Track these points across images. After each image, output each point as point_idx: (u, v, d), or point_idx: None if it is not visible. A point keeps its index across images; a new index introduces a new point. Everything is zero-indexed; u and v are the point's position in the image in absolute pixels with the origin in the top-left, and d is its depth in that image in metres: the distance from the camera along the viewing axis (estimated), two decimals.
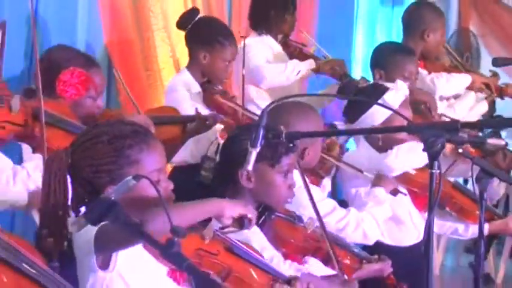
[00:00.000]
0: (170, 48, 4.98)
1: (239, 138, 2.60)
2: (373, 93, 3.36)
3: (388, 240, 3.36)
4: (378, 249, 3.09)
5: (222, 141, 3.56)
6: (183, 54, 5.06)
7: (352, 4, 6.82)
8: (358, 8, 6.91)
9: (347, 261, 2.74)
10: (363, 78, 4.48)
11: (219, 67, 4.04)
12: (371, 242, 3.11)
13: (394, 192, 3.24)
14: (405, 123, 3.00)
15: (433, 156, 2.16)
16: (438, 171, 2.17)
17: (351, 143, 3.99)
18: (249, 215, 2.14)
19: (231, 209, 2.14)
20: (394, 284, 2.92)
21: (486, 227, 3.61)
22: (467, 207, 3.41)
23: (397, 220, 3.37)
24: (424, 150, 2.16)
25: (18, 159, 3.09)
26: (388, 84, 3.47)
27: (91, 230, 2.02)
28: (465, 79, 4.29)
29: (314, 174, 3.13)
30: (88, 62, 3.28)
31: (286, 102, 2.93)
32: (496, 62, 4.37)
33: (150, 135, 2.24)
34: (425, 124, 3.00)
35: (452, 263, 6.91)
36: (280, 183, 2.60)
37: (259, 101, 4.47)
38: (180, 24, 4.30)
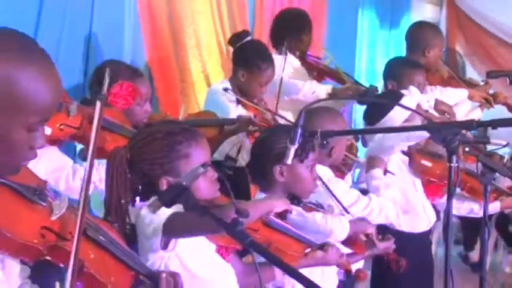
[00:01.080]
0: (201, 64, 4.99)
1: (271, 139, 2.61)
2: (391, 99, 3.36)
3: (403, 227, 3.37)
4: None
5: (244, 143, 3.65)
6: (212, 69, 5.12)
7: (355, 27, 6.82)
8: (362, 30, 6.92)
9: (360, 241, 2.75)
10: (371, 85, 4.51)
11: (254, 87, 4.04)
12: (389, 222, 3.12)
13: (384, 172, 3.21)
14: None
15: (452, 151, 2.18)
16: (456, 164, 2.19)
17: None
18: (293, 212, 2.18)
19: (278, 207, 2.17)
20: (395, 259, 2.93)
21: (498, 205, 3.65)
22: (478, 189, 3.42)
23: (412, 209, 3.38)
24: (443, 146, 2.18)
25: (72, 158, 3.13)
26: (403, 91, 3.50)
27: (155, 216, 2.05)
28: (461, 93, 4.30)
29: (338, 170, 3.14)
30: (134, 74, 3.31)
31: (317, 107, 2.96)
32: (490, 74, 4.39)
33: (197, 132, 2.26)
34: (444, 123, 3.02)
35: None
36: (308, 176, 2.61)
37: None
38: (231, 42, 4.32)
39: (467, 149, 3.20)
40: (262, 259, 2.41)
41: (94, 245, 1.75)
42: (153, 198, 1.97)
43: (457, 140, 2.14)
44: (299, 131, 2.28)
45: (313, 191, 2.66)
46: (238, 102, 4.00)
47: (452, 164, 2.17)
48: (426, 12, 7.93)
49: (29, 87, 1.48)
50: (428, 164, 3.46)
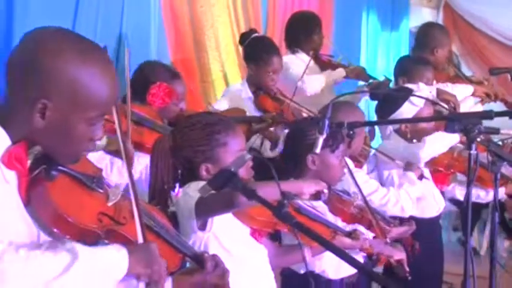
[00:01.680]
0: (220, 64, 5.01)
1: (304, 130, 2.61)
2: (403, 94, 3.36)
3: (415, 213, 3.36)
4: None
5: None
6: (230, 69, 5.13)
7: (359, 29, 6.83)
8: (367, 31, 6.93)
9: (383, 226, 2.75)
10: (385, 77, 4.54)
11: (264, 78, 4.02)
12: (407, 215, 3.09)
13: (420, 177, 3.24)
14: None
15: (471, 140, 2.17)
16: (475, 152, 2.18)
17: None
18: (325, 190, 2.17)
19: (307, 187, 2.17)
20: (411, 243, 2.93)
21: (502, 190, 3.64)
22: (484, 177, 3.41)
23: (422, 197, 3.37)
24: (463, 134, 2.17)
25: None
26: (411, 86, 3.49)
27: (189, 199, 2.06)
28: (467, 89, 4.29)
29: (356, 160, 3.14)
30: (172, 75, 3.32)
31: (338, 101, 2.96)
32: (493, 71, 4.38)
33: (233, 122, 2.27)
34: (464, 113, 3.01)
35: (444, 239, 6.87)
36: (337, 165, 2.61)
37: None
38: (240, 42, 4.33)
39: (478, 139, 3.18)
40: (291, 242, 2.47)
41: (147, 230, 1.75)
42: (201, 183, 1.97)
43: (477, 128, 2.13)
44: (326, 122, 2.28)
45: (341, 179, 2.65)
46: (256, 96, 4.01)
47: (472, 152, 2.16)
48: (424, 16, 7.89)
49: (92, 85, 1.53)
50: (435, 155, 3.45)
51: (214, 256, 1.83)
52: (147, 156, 2.52)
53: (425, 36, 4.48)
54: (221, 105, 3.94)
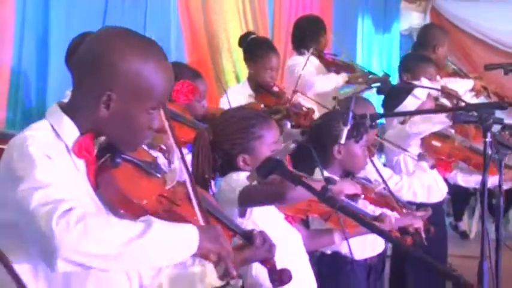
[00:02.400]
0: (232, 65, 5.02)
1: (330, 122, 2.60)
2: (406, 88, 3.37)
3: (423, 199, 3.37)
4: None
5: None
6: (241, 69, 5.14)
7: (355, 31, 6.86)
8: (362, 34, 6.95)
9: (404, 210, 2.75)
10: (384, 72, 4.54)
11: (262, 75, 4.01)
12: (418, 200, 3.10)
13: (432, 167, 3.22)
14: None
15: (486, 128, 2.18)
16: (490, 140, 2.19)
17: None
18: (362, 195, 2.17)
19: (347, 189, 2.18)
20: (426, 227, 2.93)
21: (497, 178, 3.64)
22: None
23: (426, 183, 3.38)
24: (479, 124, 2.18)
25: None
26: (415, 82, 3.50)
27: (232, 188, 2.06)
28: (468, 83, 4.29)
29: (368, 149, 3.14)
30: (194, 74, 3.30)
31: (351, 96, 2.96)
32: (488, 67, 4.39)
33: (268, 116, 2.27)
34: (480, 103, 3.02)
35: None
36: (361, 154, 2.60)
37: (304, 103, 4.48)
38: (239, 44, 4.33)
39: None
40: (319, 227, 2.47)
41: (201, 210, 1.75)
42: (242, 174, 1.98)
43: (491, 118, 2.14)
44: (351, 114, 2.28)
45: (364, 168, 2.65)
46: (257, 93, 4.00)
47: (486, 139, 2.17)
48: (413, 19, 7.93)
49: (152, 78, 1.56)
50: (438, 144, 3.46)
51: (261, 232, 1.83)
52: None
53: (426, 35, 4.49)
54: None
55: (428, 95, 3.39)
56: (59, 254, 1.35)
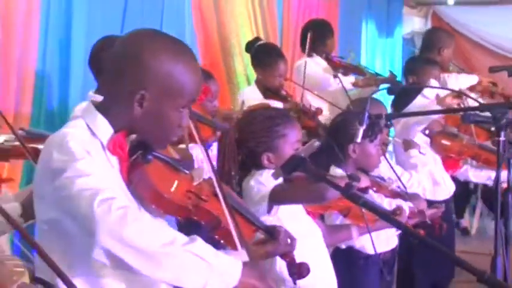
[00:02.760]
0: (243, 67, 5.01)
1: (346, 122, 2.57)
2: (416, 89, 3.35)
3: (429, 196, 3.35)
4: None
5: None
6: (252, 71, 5.11)
7: (360, 36, 6.85)
8: (366, 38, 6.95)
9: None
10: (390, 72, 4.52)
11: (272, 80, 4.00)
12: (427, 197, 3.08)
13: (420, 153, 3.20)
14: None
15: (500, 128, 2.15)
16: (504, 139, 2.16)
17: None
18: (373, 188, 2.15)
19: (362, 182, 2.15)
20: (439, 224, 2.91)
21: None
22: (493, 160, 3.41)
23: (435, 182, 3.36)
24: (493, 124, 2.16)
25: None
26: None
27: (262, 186, 2.05)
28: (472, 78, 4.27)
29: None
30: (206, 75, 3.27)
31: (363, 97, 2.95)
32: (492, 69, 4.36)
33: (291, 116, 2.26)
34: (493, 103, 3.00)
35: None
36: (376, 153, 2.57)
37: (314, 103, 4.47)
38: (247, 49, 4.31)
39: (492, 128, 3.17)
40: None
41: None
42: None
43: (505, 117, 2.12)
44: (366, 114, 2.26)
45: (377, 166, 2.64)
46: (266, 97, 3.99)
47: (500, 139, 2.14)
48: (415, 24, 7.93)
49: (183, 77, 1.56)
50: (447, 142, 3.45)
51: (282, 228, 1.82)
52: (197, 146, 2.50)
53: (431, 38, 4.46)
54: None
55: (437, 95, 3.38)
56: (98, 236, 1.32)
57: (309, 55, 4.66)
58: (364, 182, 2.11)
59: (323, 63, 4.72)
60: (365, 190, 2.15)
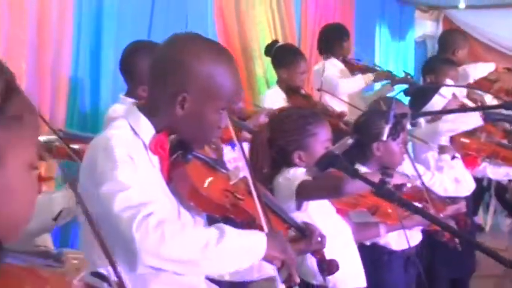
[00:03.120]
0: (263, 71, 5.00)
1: (370, 121, 2.55)
2: (433, 88, 3.32)
3: (452, 193, 3.31)
4: None
5: None
6: (271, 75, 5.12)
7: (373, 39, 6.83)
8: (380, 41, 6.93)
9: (440, 204, 2.70)
10: (405, 73, 4.52)
11: (296, 78, 4.03)
12: (448, 194, 3.06)
13: (453, 157, 3.17)
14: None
15: None
16: None
17: None
18: (408, 184, 2.14)
19: (395, 179, 2.12)
20: (464, 219, 2.88)
21: None
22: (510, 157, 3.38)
23: (456, 180, 3.33)
24: None
25: None
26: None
27: (290, 182, 2.03)
28: (490, 66, 4.23)
29: None
30: None
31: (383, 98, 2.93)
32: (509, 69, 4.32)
33: (321, 115, 2.24)
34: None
35: None
36: (398, 151, 2.55)
37: (331, 103, 4.47)
38: (266, 52, 4.32)
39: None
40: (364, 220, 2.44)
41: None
42: (299, 169, 1.95)
43: None
44: (392, 113, 2.24)
45: (401, 164, 2.61)
46: (289, 96, 3.99)
47: None
48: (426, 27, 7.86)
49: (223, 80, 1.55)
50: (466, 140, 3.42)
51: (312, 226, 1.82)
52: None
53: (446, 40, 4.45)
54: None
55: (454, 95, 3.34)
56: (139, 258, 1.36)
57: (326, 58, 4.67)
58: (399, 179, 2.09)
59: (340, 65, 4.73)
60: (400, 187, 2.14)
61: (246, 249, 1.46)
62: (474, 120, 3.07)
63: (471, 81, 4.12)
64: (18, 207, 0.82)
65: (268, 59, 5.01)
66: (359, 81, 4.49)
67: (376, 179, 1.63)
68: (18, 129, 0.79)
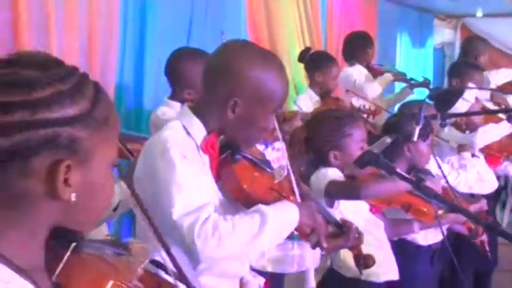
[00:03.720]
0: (290, 76, 5.00)
1: (401, 122, 2.51)
2: (457, 92, 3.28)
3: (476, 191, 3.27)
4: None
5: None
6: (299, 80, 5.14)
7: (395, 46, 6.80)
8: (401, 47, 6.90)
9: (463, 202, 2.66)
10: (424, 78, 4.49)
11: (330, 82, 4.02)
12: (473, 191, 3.02)
13: (473, 155, 3.13)
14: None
15: None
16: None
17: None
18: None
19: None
20: (485, 217, 2.83)
21: None
22: None
23: (480, 178, 3.29)
24: None
25: None
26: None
27: (320, 181, 2.04)
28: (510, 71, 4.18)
29: None
30: None
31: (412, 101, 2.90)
32: None
33: (357, 116, 2.22)
34: None
35: None
36: (427, 152, 2.50)
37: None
38: (300, 59, 4.31)
39: None
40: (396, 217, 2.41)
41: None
42: (331, 169, 1.93)
43: None
44: (422, 114, 2.22)
45: (428, 163, 2.58)
46: (322, 99, 3.99)
47: None
48: (445, 35, 7.80)
49: (273, 85, 1.54)
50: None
51: (351, 223, 1.81)
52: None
53: (468, 46, 4.39)
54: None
55: (476, 98, 3.29)
56: (200, 260, 1.43)
57: (351, 64, 4.66)
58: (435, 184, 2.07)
59: (364, 71, 4.72)
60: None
61: (284, 224, 1.51)
62: (505, 129, 3.04)
63: (492, 86, 4.05)
64: (101, 200, 0.84)
65: (297, 66, 5.04)
66: (380, 82, 4.48)
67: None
68: (105, 131, 0.80)
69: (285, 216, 1.52)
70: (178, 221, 1.39)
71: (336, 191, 2.01)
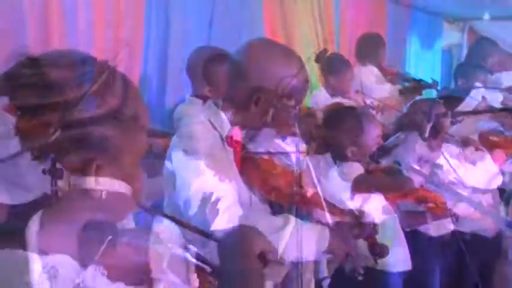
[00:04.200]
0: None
1: (412, 120, 2.52)
2: (463, 92, 3.25)
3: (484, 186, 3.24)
4: None
5: None
6: (313, 79, 5.13)
7: (404, 48, 6.74)
8: (410, 50, 6.85)
9: None
10: (432, 80, 4.47)
11: (345, 84, 4.02)
12: (481, 187, 2.99)
13: (476, 149, 3.08)
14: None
15: None
16: None
17: None
18: None
19: None
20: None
21: None
22: None
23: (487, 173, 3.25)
24: None
25: None
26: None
27: (344, 176, 2.02)
28: None
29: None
30: None
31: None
32: None
33: (371, 114, 2.22)
34: None
35: None
36: (437, 148, 2.52)
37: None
38: (316, 60, 4.28)
39: None
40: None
41: None
42: (355, 164, 1.93)
43: None
44: (433, 112, 2.21)
45: (438, 158, 2.56)
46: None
47: None
48: (453, 37, 7.74)
49: (293, 80, 1.54)
50: (494, 138, 3.33)
51: (366, 214, 1.79)
52: None
53: (476, 47, 4.35)
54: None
55: (483, 97, 3.27)
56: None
57: (364, 64, 4.65)
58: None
59: (375, 71, 4.70)
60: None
61: (308, 237, 1.48)
62: None
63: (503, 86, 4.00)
64: (140, 187, 0.84)
65: (312, 66, 5.02)
66: (386, 91, 4.44)
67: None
68: (134, 126, 0.80)
69: (311, 230, 1.50)
70: (193, 194, 1.40)
71: (366, 186, 2.00)
